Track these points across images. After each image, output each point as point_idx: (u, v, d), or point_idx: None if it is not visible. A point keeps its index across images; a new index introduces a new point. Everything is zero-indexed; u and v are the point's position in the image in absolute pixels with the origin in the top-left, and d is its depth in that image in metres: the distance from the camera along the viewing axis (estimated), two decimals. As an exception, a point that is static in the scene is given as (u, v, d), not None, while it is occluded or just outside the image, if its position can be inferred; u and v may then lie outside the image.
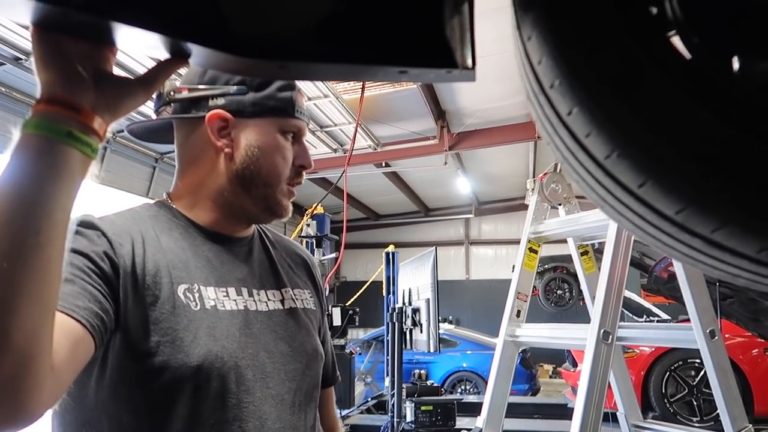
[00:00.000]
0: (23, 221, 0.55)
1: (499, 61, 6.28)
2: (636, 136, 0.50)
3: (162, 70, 0.64)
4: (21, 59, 5.71)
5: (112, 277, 0.83)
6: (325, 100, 6.94)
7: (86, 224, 0.85)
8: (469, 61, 0.62)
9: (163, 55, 0.61)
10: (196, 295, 0.90)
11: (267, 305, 1.00)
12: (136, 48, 0.63)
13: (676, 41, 0.54)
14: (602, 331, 2.03)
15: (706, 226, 0.51)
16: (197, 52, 0.59)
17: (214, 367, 0.87)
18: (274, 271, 1.07)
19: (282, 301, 1.03)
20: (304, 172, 1.04)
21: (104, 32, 0.57)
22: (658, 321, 6.05)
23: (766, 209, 0.48)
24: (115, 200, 1.09)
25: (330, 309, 4.40)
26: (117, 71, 0.64)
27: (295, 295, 1.06)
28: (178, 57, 0.61)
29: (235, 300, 0.95)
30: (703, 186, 0.49)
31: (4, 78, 6.30)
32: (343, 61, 0.61)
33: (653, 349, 5.36)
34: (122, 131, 1.17)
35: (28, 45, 5.38)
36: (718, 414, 4.79)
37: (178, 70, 0.66)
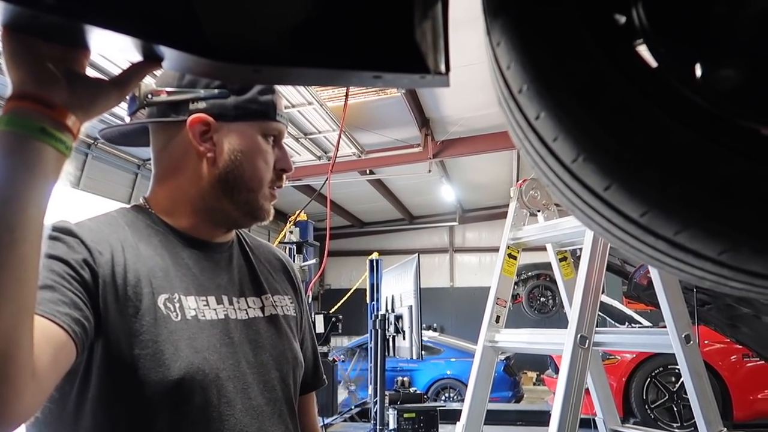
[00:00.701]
0: None
1: (483, 70, 6.33)
2: (600, 141, 0.51)
3: (135, 72, 0.64)
4: (1, 64, 5.65)
5: (91, 285, 0.81)
6: (309, 107, 6.95)
7: (64, 230, 0.83)
8: (443, 67, 0.63)
9: (136, 57, 0.61)
10: (177, 305, 0.89)
11: (247, 313, 0.99)
12: (109, 50, 0.64)
13: (644, 50, 0.56)
14: (579, 335, 2.05)
15: (669, 228, 0.52)
16: (170, 55, 0.59)
17: (196, 380, 0.85)
18: (254, 278, 1.05)
19: (262, 309, 1.02)
20: (285, 176, 1.03)
21: (75, 34, 0.57)
22: (639, 328, 6.11)
23: (724, 212, 0.49)
24: (96, 207, 1.07)
25: (313, 316, 4.38)
26: (91, 72, 0.64)
27: (275, 301, 1.05)
28: (151, 60, 0.61)
29: (215, 309, 0.94)
30: (665, 189, 0.50)
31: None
32: (317, 66, 0.62)
33: (634, 356, 5.41)
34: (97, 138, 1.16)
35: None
36: (698, 419, 4.81)
37: (154, 72, 0.66)
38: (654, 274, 2.19)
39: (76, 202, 0.86)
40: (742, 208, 0.49)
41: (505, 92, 0.60)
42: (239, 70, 0.61)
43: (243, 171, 0.97)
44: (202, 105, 0.96)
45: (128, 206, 1.01)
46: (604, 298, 5.02)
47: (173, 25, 0.56)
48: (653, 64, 0.54)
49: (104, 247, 0.86)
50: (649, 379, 5.39)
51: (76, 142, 0.61)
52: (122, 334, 0.82)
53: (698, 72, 0.55)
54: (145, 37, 0.56)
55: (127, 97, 0.80)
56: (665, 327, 2.22)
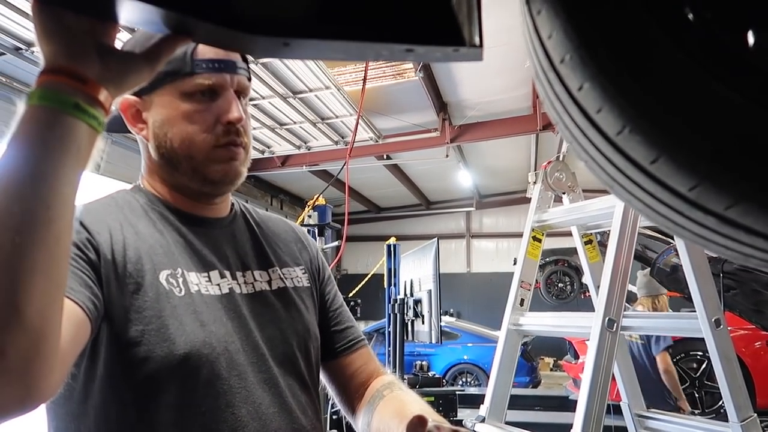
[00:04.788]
0: (33, 195, 0.54)
1: (502, 53, 6.25)
2: (648, 111, 0.49)
3: (165, 45, 0.62)
4: (21, 49, 5.69)
5: (97, 264, 0.82)
6: (327, 92, 6.92)
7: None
8: (477, 39, 0.61)
9: (164, 30, 0.60)
10: (180, 280, 0.88)
11: (254, 286, 0.98)
12: (137, 24, 0.62)
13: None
14: (607, 319, 2.02)
15: (720, 203, 0.50)
16: (199, 28, 0.58)
17: (203, 354, 0.85)
18: (260, 251, 1.04)
19: (269, 282, 1.01)
20: (239, 126, 0.93)
21: (105, 7, 0.56)
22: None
23: (782, 185, 0.47)
24: (110, 190, 1.08)
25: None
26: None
27: (283, 274, 1.04)
28: (180, 33, 0.60)
29: (218, 284, 0.93)
30: (717, 162, 0.48)
31: (5, 68, 6.28)
32: (347, 39, 0.60)
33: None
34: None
35: (28, 35, 5.37)
36: (720, 406, 4.78)
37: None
38: (683, 257, 2.15)
39: (98, 186, 0.86)
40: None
41: (545, 63, 0.58)
42: (268, 43, 0.60)
43: (171, 142, 0.92)
44: None
45: (128, 188, 1.01)
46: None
47: None
48: (704, 30, 0.52)
49: (102, 228, 0.86)
50: (676, 362, 5.33)
51: (107, 118, 0.60)
52: (124, 311, 0.82)
53: (750, 39, 0.52)
54: (175, 9, 0.55)
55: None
56: (693, 311, 2.19)
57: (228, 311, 0.91)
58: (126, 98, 0.94)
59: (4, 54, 5.80)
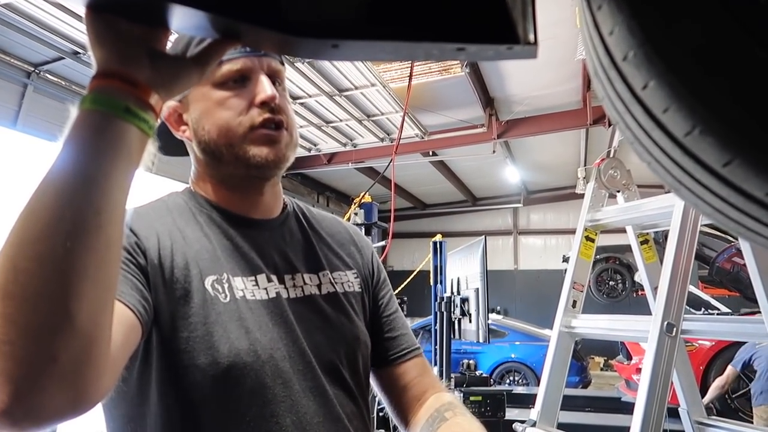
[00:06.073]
0: (84, 200, 0.54)
1: (550, 47, 6.12)
2: (722, 110, 0.46)
3: (214, 50, 0.62)
4: (79, 53, 5.91)
5: (145, 268, 0.82)
6: (372, 89, 6.92)
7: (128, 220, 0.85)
8: (532, 36, 0.59)
9: (214, 35, 0.60)
10: (225, 285, 0.87)
11: (303, 290, 0.96)
12: (188, 29, 0.63)
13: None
14: (666, 323, 1.94)
15: (801, 208, 0.46)
16: (248, 32, 0.58)
17: (247, 362, 0.84)
18: (311, 254, 1.02)
19: (319, 286, 0.99)
20: (273, 105, 0.92)
21: (156, 13, 0.56)
22: (718, 314, 5.81)
23: None
24: (168, 190, 1.09)
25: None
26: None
27: (334, 278, 1.01)
28: (229, 37, 0.60)
29: (265, 288, 0.91)
30: (799, 164, 0.44)
31: (64, 72, 6.55)
32: (397, 39, 0.59)
33: (713, 343, 5.15)
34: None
35: (86, 39, 5.58)
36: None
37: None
38: (749, 258, 2.04)
39: (152, 185, 0.87)
40: None
41: (605, 61, 0.55)
42: (318, 45, 0.59)
43: (209, 134, 0.93)
44: None
45: (179, 191, 1.01)
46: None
47: (252, 1, 0.54)
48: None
49: (150, 233, 0.86)
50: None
51: (157, 122, 0.61)
52: (172, 317, 0.83)
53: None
54: (225, 14, 0.54)
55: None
56: (751, 314, 2.08)
57: (274, 316, 0.90)
58: (166, 105, 0.94)
59: (63, 58, 6.04)
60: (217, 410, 0.83)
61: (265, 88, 0.91)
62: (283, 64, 0.98)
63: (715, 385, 4.24)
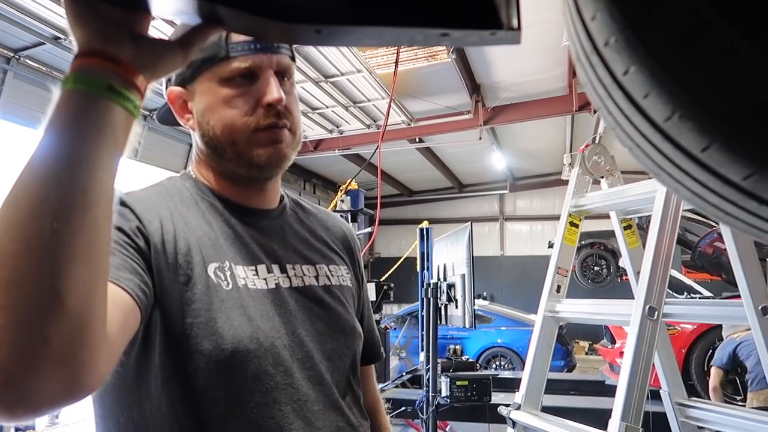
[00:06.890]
0: (69, 180, 0.53)
1: (536, 33, 6.12)
2: (701, 95, 0.46)
3: (198, 34, 0.62)
4: (60, 38, 5.82)
5: (147, 253, 0.82)
6: (359, 75, 6.90)
7: (116, 200, 0.84)
8: (515, 22, 0.59)
9: (197, 20, 0.59)
10: (227, 273, 0.88)
11: (303, 281, 0.97)
12: (169, 14, 0.62)
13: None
14: (647, 307, 1.97)
15: (778, 192, 0.47)
16: (231, 17, 0.57)
17: (250, 349, 0.84)
18: (308, 246, 1.03)
19: (316, 278, 1.00)
20: (280, 108, 0.92)
21: None
22: (700, 298, 5.90)
23: None
24: (153, 177, 1.09)
25: (365, 284, 4.39)
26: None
27: (330, 271, 1.03)
28: (212, 22, 0.59)
29: (265, 278, 0.92)
30: (776, 149, 0.45)
31: (44, 57, 6.44)
32: (380, 24, 0.58)
33: (695, 327, 5.23)
34: (156, 110, 1.17)
35: (66, 23, 5.48)
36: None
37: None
38: (729, 242, 2.08)
39: (135, 173, 0.86)
40: None
41: (587, 47, 0.55)
42: (301, 31, 0.59)
43: (213, 129, 0.92)
44: (172, 77, 0.95)
45: (178, 175, 1.01)
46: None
47: None
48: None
49: (153, 216, 0.86)
50: (711, 351, 5.22)
51: (142, 103, 0.59)
52: (175, 302, 0.82)
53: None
54: (206, -1, 0.54)
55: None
56: (732, 298, 2.12)
57: (274, 306, 0.90)
58: (172, 90, 0.95)
59: (44, 43, 5.94)
60: (220, 397, 0.83)
61: (272, 90, 0.91)
62: (293, 57, 0.98)
63: (712, 390, 4.33)
